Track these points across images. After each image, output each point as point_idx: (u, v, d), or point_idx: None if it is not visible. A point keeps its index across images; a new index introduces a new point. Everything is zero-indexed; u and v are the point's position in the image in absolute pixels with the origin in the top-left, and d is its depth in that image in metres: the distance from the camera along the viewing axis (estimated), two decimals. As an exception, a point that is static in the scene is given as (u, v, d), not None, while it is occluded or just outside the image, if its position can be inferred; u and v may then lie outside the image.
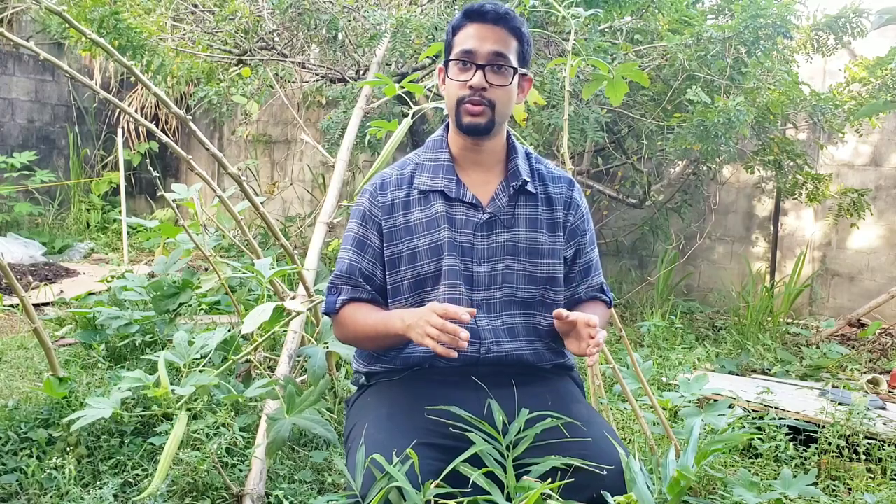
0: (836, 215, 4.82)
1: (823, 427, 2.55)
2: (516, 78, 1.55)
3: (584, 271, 1.67)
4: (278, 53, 4.78)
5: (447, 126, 1.65)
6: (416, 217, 1.57)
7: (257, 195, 2.67)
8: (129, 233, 6.21)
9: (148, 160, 7.62)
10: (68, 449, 2.24)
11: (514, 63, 1.54)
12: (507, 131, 1.64)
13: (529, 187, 1.60)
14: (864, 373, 3.69)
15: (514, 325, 1.58)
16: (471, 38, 1.53)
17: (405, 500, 1.25)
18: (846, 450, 2.47)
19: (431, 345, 1.35)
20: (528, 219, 1.59)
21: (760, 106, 4.09)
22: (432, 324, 1.35)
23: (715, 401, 2.46)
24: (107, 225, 7.20)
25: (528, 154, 1.66)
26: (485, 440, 1.37)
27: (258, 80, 4.91)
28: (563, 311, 1.46)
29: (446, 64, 1.57)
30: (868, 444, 2.47)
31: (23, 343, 3.60)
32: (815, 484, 2.13)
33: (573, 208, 1.64)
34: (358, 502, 1.30)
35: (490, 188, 1.59)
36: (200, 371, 1.79)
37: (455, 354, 1.36)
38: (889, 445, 2.46)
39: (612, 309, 1.78)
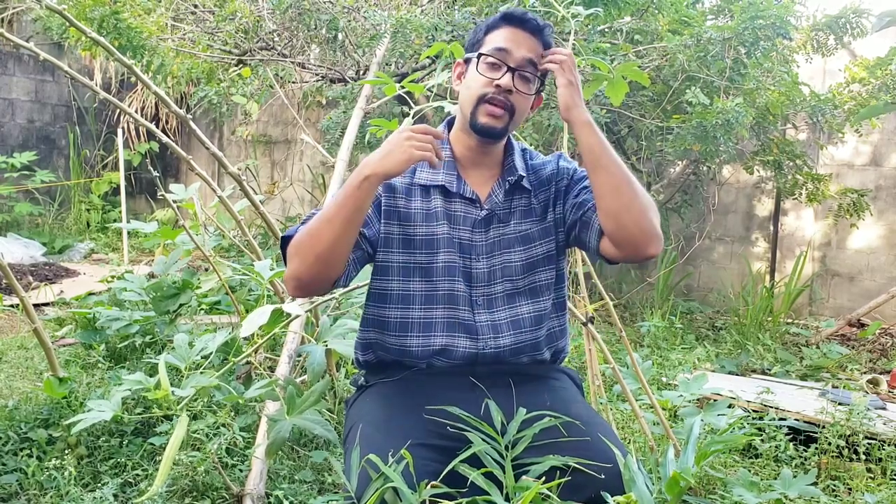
0: (836, 215, 4.82)
1: (823, 427, 2.55)
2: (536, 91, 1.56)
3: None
4: (278, 53, 4.78)
5: (449, 123, 1.65)
6: (416, 206, 1.57)
7: (257, 195, 2.67)
8: (129, 233, 6.21)
9: (148, 160, 7.63)
10: (68, 449, 2.24)
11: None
12: None
13: (524, 183, 1.60)
14: (864, 373, 3.69)
15: (520, 317, 1.58)
16: (506, 39, 1.52)
17: (401, 501, 1.25)
18: (846, 450, 2.47)
19: (421, 155, 1.36)
20: (522, 211, 1.60)
21: (760, 106, 4.09)
22: (415, 137, 1.37)
23: (715, 401, 2.46)
24: (107, 225, 7.20)
25: (523, 150, 1.67)
26: (483, 440, 1.37)
27: (258, 80, 4.91)
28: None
29: (476, 58, 1.54)
30: (868, 444, 2.47)
31: (23, 343, 3.60)
32: (815, 484, 2.13)
33: (561, 173, 1.63)
34: (355, 503, 1.30)
35: (488, 185, 1.60)
36: (201, 373, 1.79)
37: (437, 162, 1.39)
38: (889, 445, 2.46)
39: (613, 308, 1.77)
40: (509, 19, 1.54)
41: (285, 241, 1.48)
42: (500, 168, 1.62)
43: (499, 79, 1.50)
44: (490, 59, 1.52)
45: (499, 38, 1.52)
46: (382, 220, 1.56)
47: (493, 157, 1.61)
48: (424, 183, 1.58)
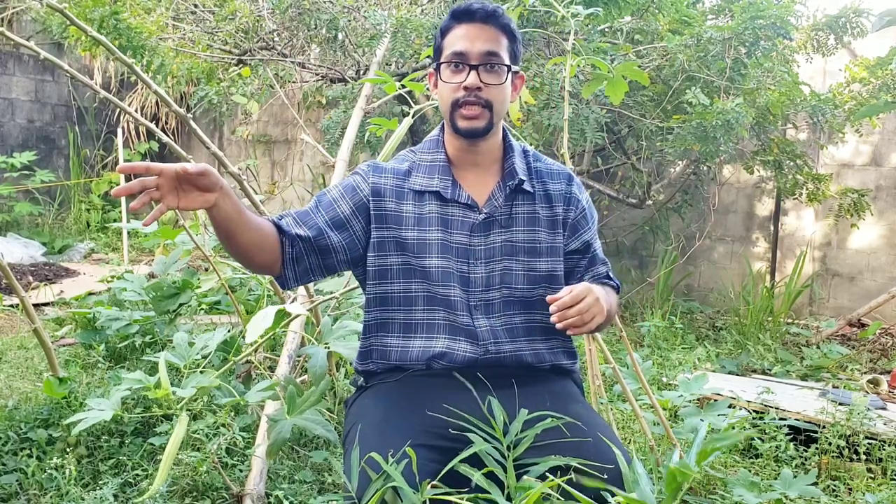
0: (836, 215, 4.82)
1: (824, 427, 2.55)
2: (510, 76, 1.54)
3: (589, 262, 1.66)
4: (278, 53, 4.78)
5: (443, 126, 1.64)
6: (408, 210, 1.56)
7: (257, 195, 2.68)
8: (129, 233, 6.21)
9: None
10: (68, 449, 2.24)
11: (507, 61, 1.53)
12: (504, 129, 1.63)
13: (526, 186, 1.58)
14: (865, 373, 3.69)
15: (514, 325, 1.57)
16: (461, 38, 1.51)
17: (402, 501, 1.25)
18: (846, 450, 2.47)
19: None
20: (525, 217, 1.59)
21: (760, 106, 4.09)
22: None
23: (715, 401, 2.46)
24: (107, 225, 7.20)
25: (525, 151, 1.65)
26: (484, 440, 1.37)
27: (258, 80, 4.91)
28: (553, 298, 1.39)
29: (437, 67, 1.55)
30: (868, 444, 2.47)
31: (23, 343, 3.60)
32: (815, 484, 2.13)
33: (573, 203, 1.63)
34: (356, 503, 1.30)
35: (486, 188, 1.58)
36: (201, 372, 1.79)
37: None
38: (889, 445, 2.46)
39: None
40: (458, 16, 1.54)
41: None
42: (499, 168, 1.60)
43: (464, 81, 1.50)
44: (451, 65, 1.52)
45: (454, 40, 1.52)
46: (374, 225, 1.55)
47: (487, 155, 1.59)
48: (419, 188, 1.57)
